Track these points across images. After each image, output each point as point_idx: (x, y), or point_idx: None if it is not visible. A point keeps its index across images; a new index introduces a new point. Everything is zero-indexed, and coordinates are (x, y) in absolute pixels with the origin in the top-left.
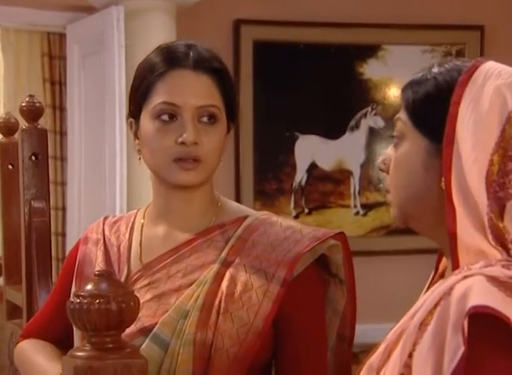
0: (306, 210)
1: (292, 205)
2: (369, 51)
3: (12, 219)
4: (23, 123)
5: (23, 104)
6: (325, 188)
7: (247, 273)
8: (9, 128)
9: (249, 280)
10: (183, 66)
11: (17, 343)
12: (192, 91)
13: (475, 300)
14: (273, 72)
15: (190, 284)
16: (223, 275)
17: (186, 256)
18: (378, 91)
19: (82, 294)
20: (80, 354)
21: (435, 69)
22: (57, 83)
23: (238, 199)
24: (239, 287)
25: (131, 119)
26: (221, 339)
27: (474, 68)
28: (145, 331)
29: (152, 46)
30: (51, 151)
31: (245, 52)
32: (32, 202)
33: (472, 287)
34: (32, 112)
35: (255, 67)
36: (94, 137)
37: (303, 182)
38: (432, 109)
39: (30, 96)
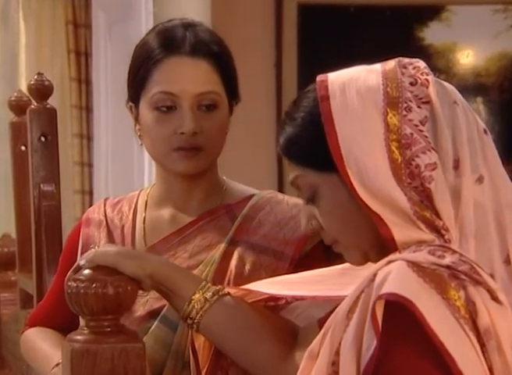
0: None
1: None
2: (431, 12)
3: (26, 204)
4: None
5: (32, 82)
6: None
7: (255, 252)
8: (21, 107)
9: (257, 259)
10: (180, 53)
11: (23, 332)
12: (190, 78)
13: (388, 287)
14: (320, 39)
15: (198, 265)
16: (231, 254)
17: (192, 237)
18: (441, 58)
19: (79, 278)
20: (77, 337)
21: (295, 114)
22: (82, 54)
23: (280, 181)
24: (247, 267)
25: (131, 104)
26: None
27: (321, 83)
28: (154, 314)
29: (182, 14)
30: (76, 130)
31: (288, 17)
32: (41, 185)
33: (390, 273)
34: (40, 91)
35: (300, 34)
36: (122, 112)
37: None
38: (321, 146)
39: (39, 74)
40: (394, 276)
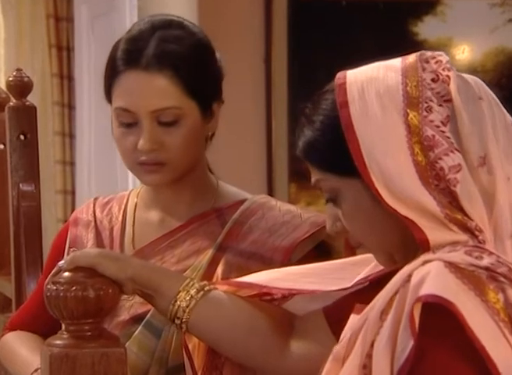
0: None
1: None
2: (425, 6)
3: (4, 205)
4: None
5: (10, 78)
6: None
7: (243, 258)
8: None
9: (245, 264)
10: (136, 67)
11: (2, 336)
12: (144, 95)
13: (427, 288)
14: (311, 34)
15: (185, 270)
16: (219, 260)
17: (181, 241)
18: None
19: (58, 280)
20: (56, 342)
21: (314, 117)
22: (64, 49)
23: (270, 181)
24: (234, 273)
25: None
26: None
27: (340, 87)
28: (138, 318)
29: (168, 7)
30: (58, 128)
31: (278, 11)
32: (20, 185)
33: (429, 274)
34: (19, 88)
35: (290, 28)
36: (105, 109)
37: None
38: (342, 151)
39: (18, 70)
40: (433, 277)
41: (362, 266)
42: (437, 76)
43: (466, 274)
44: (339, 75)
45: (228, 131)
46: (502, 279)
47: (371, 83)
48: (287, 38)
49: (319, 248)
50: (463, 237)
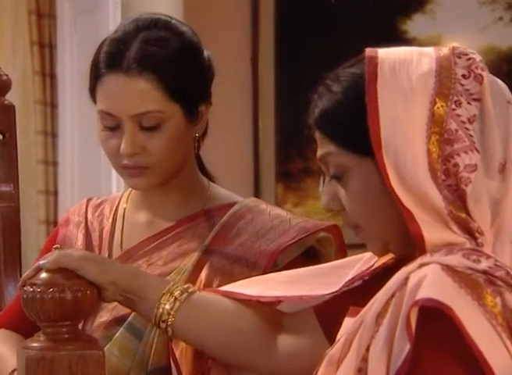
0: None
1: (321, 188)
2: (414, 4)
3: None
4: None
5: None
6: None
7: (228, 262)
8: None
9: (230, 268)
10: (117, 71)
11: None
12: (125, 99)
13: (424, 292)
14: (299, 32)
15: (171, 273)
16: (204, 263)
17: (168, 243)
18: None
19: (35, 282)
20: (33, 345)
21: (336, 88)
22: (47, 46)
23: (257, 182)
24: (219, 276)
25: None
26: None
27: (371, 60)
28: (120, 320)
29: (152, 5)
30: (40, 127)
31: (265, 9)
32: None
33: (426, 277)
34: None
35: (277, 26)
36: (88, 108)
37: None
38: (359, 127)
39: None
40: (430, 280)
41: (348, 269)
42: (469, 73)
43: (463, 278)
44: (370, 49)
45: (214, 131)
46: (499, 283)
47: (403, 64)
48: (274, 37)
49: (307, 254)
50: (460, 238)
